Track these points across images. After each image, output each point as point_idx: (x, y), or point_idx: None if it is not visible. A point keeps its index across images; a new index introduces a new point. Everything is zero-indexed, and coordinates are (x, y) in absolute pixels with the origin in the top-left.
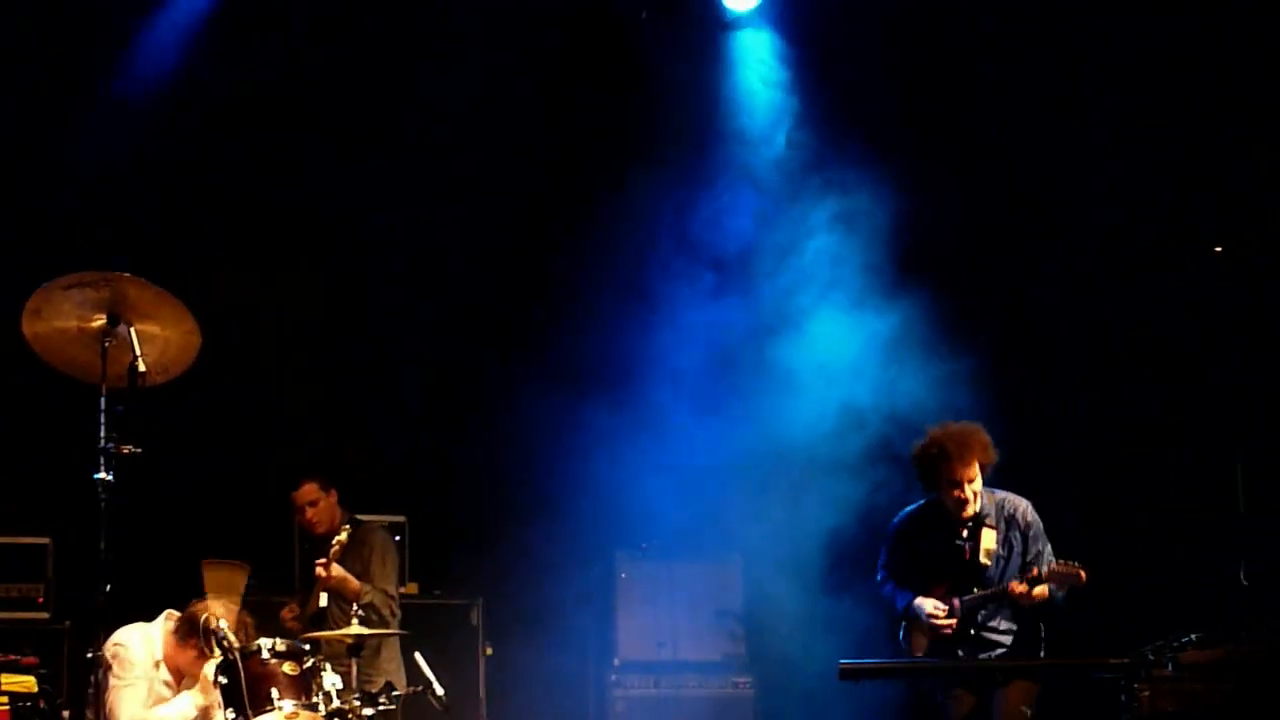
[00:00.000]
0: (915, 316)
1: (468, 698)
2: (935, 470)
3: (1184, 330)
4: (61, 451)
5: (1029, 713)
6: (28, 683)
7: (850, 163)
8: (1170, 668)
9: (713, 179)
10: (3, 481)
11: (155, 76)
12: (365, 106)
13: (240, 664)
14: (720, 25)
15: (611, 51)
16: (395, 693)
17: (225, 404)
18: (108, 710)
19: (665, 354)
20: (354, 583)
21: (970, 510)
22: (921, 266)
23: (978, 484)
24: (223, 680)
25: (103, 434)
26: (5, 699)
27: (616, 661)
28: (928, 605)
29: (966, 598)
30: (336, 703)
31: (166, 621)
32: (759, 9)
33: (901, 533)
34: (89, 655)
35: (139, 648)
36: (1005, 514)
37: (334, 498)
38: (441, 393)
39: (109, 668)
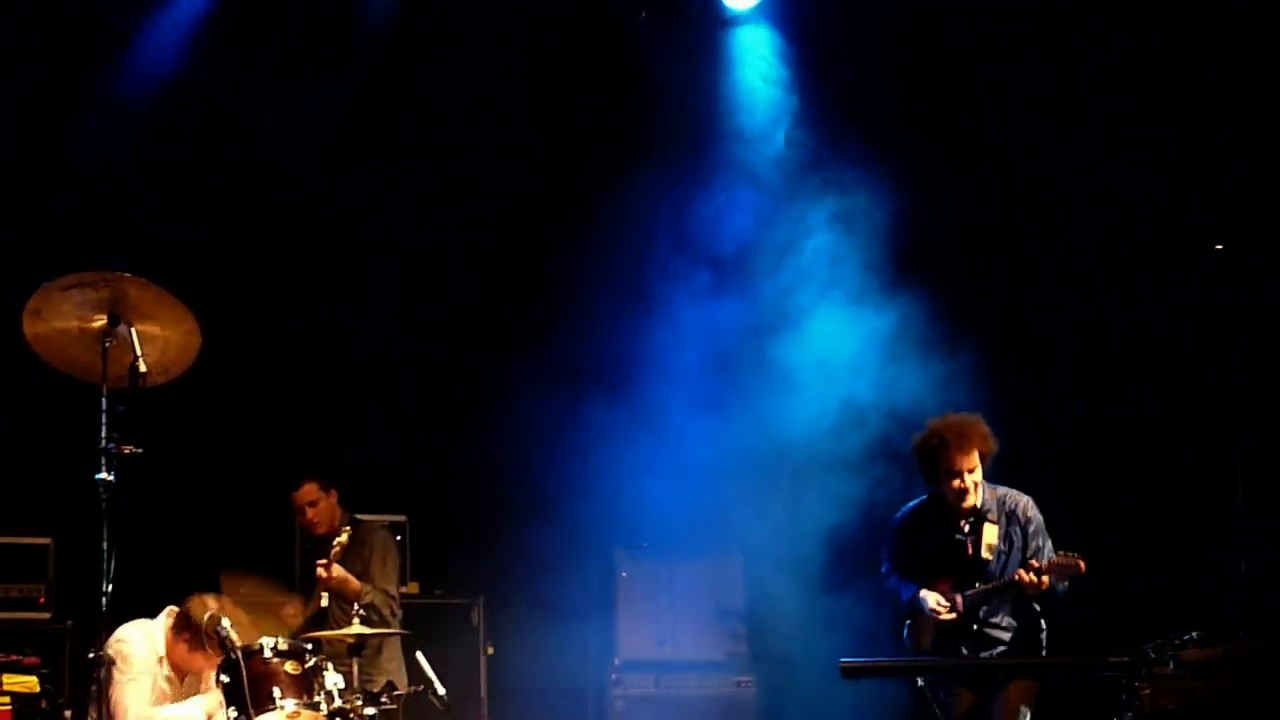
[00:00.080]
0: (914, 314)
1: (469, 697)
2: (935, 460)
3: (1182, 330)
4: (62, 452)
5: (1027, 713)
6: (30, 683)
7: (849, 161)
8: (1171, 665)
9: (711, 178)
10: (4, 482)
11: (154, 77)
12: (364, 106)
13: (242, 663)
14: (719, 23)
15: (609, 51)
16: (396, 692)
17: (226, 404)
18: (112, 706)
19: (665, 353)
20: (355, 583)
21: (970, 501)
22: (920, 265)
23: (978, 475)
24: (225, 679)
25: (103, 434)
26: (7, 699)
27: (617, 661)
28: (931, 599)
29: (969, 593)
30: (338, 702)
31: (167, 619)
32: (758, 7)
33: (903, 528)
34: (90, 655)
35: (141, 644)
36: (1006, 509)
37: (334, 498)
38: (441, 392)
39: (112, 664)
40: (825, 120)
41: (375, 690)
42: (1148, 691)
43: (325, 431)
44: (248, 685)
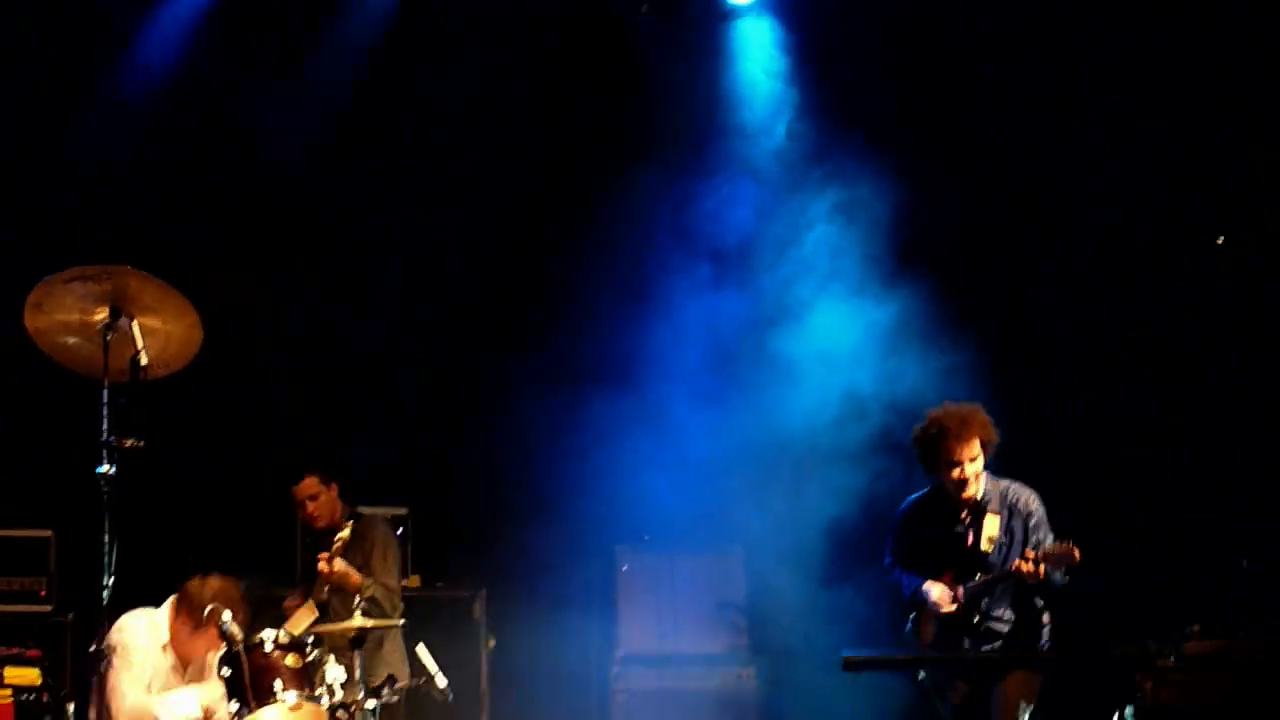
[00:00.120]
0: (915, 306)
1: (470, 690)
2: (935, 450)
3: (1182, 329)
4: (63, 445)
5: (1028, 708)
6: (31, 675)
7: (850, 153)
8: (1173, 659)
9: (711, 172)
10: (5, 475)
11: (155, 76)
12: (364, 106)
13: (243, 656)
14: (720, 16)
15: (610, 47)
16: (398, 685)
17: (227, 398)
18: (108, 693)
19: (666, 347)
20: (356, 577)
21: (971, 491)
22: (921, 258)
23: (978, 464)
24: (226, 672)
25: (105, 427)
26: (9, 692)
27: (619, 654)
28: (935, 592)
29: (970, 584)
30: (339, 695)
31: (170, 608)
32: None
33: (906, 520)
34: (92, 648)
35: (143, 633)
36: (1008, 502)
37: (335, 491)
38: (443, 387)
39: (113, 651)
40: (826, 112)
41: (377, 683)
42: (1150, 684)
43: (327, 425)
44: (249, 678)
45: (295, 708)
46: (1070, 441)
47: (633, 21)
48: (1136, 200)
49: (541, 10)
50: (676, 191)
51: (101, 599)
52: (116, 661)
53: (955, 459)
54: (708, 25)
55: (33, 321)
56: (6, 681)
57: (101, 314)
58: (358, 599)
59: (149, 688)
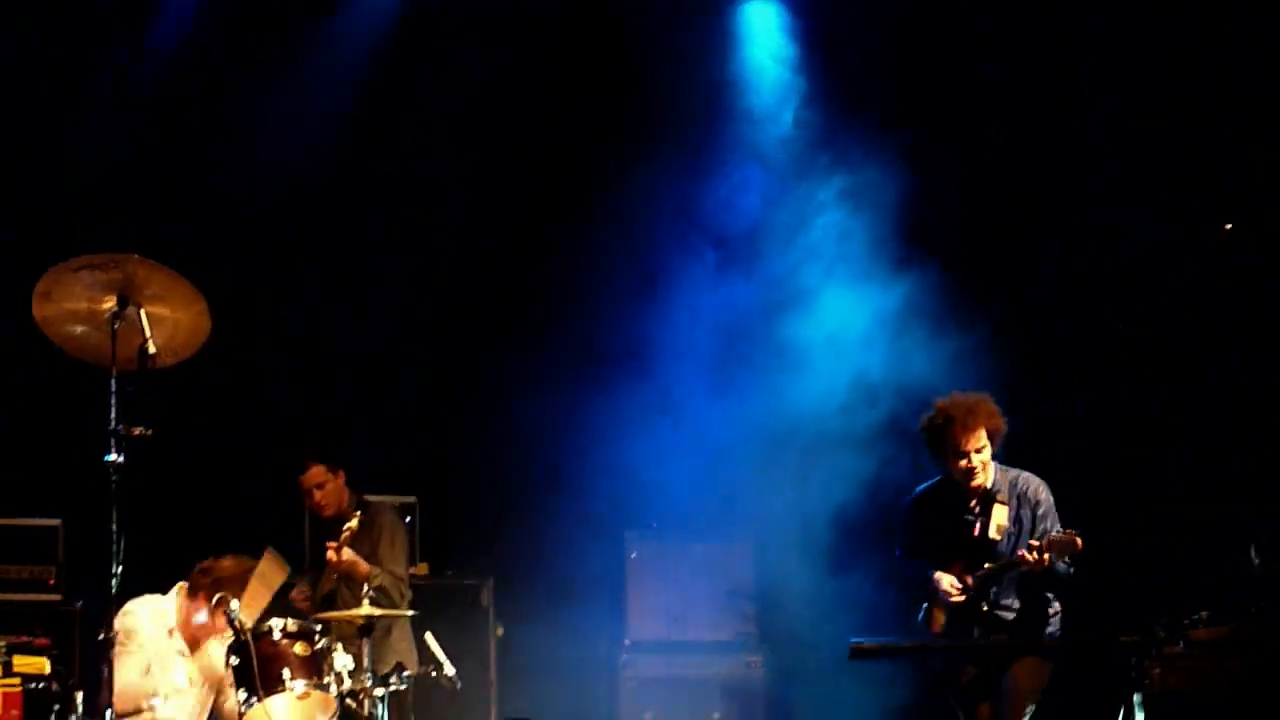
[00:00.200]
0: (924, 291)
1: (478, 678)
2: (942, 440)
3: (1182, 329)
4: (72, 434)
5: (1033, 706)
6: (40, 664)
7: (857, 139)
8: (1181, 645)
9: (720, 158)
10: (13, 464)
11: (155, 75)
12: (368, 99)
13: (252, 645)
14: (728, 1)
15: (616, 35)
16: (406, 673)
17: (235, 386)
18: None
19: (675, 333)
20: (364, 566)
21: (979, 481)
22: (929, 243)
23: (986, 454)
24: (234, 660)
25: (113, 416)
26: (17, 680)
27: (627, 641)
28: (945, 581)
29: (978, 573)
30: (348, 683)
31: (178, 594)
32: None
33: (915, 510)
34: (100, 637)
35: (149, 619)
36: (1017, 491)
37: (341, 479)
38: (451, 375)
39: (118, 636)
40: (834, 98)
41: (385, 671)
42: (1157, 670)
43: (336, 413)
44: (257, 667)
45: (303, 696)
46: (1077, 428)
47: (639, 8)
48: (1137, 200)
49: None
50: (684, 178)
51: (110, 588)
52: (119, 647)
53: (962, 449)
54: (715, 10)
55: (41, 310)
56: (15, 670)
57: (109, 302)
58: (366, 587)
59: (148, 670)
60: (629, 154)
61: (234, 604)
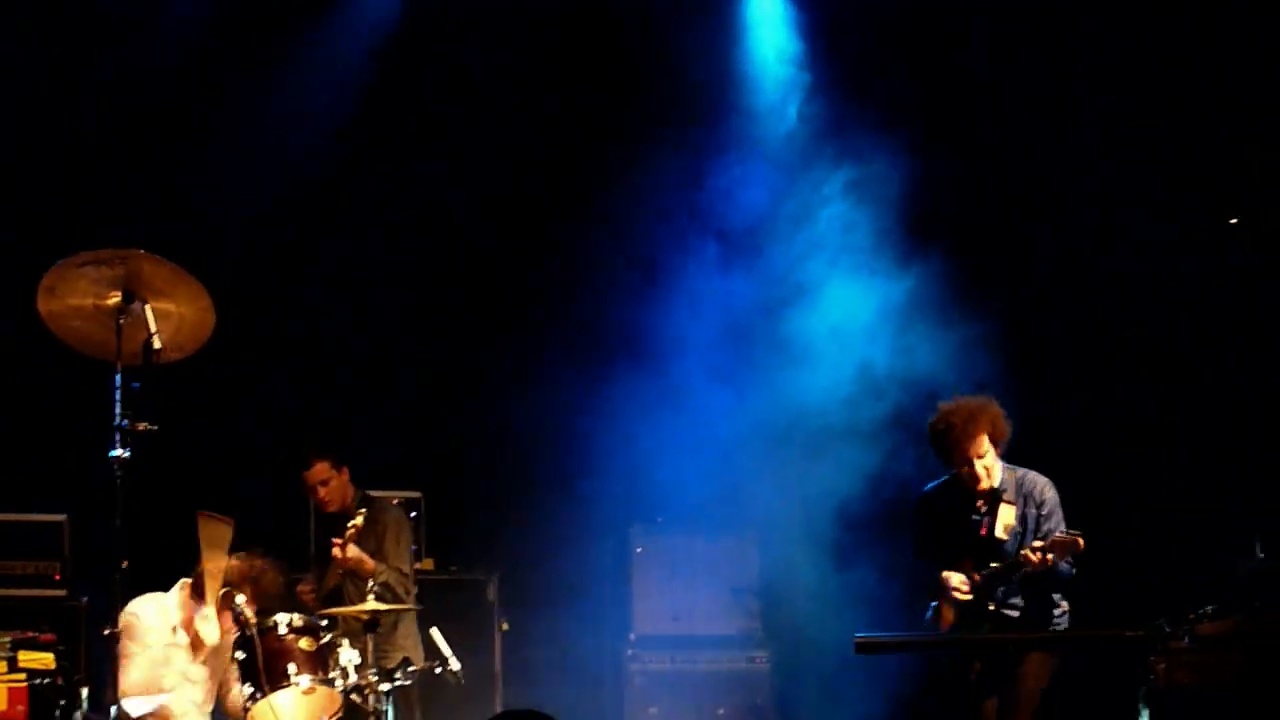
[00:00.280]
0: (928, 283)
1: (484, 673)
2: (944, 445)
3: (1180, 330)
4: (77, 429)
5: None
6: (45, 659)
7: (862, 131)
8: (1186, 640)
9: (724, 152)
10: (19, 459)
11: (157, 73)
12: (374, 90)
13: (257, 640)
14: None
15: (621, 29)
16: (412, 668)
17: (240, 381)
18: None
19: (680, 327)
20: (369, 563)
21: (984, 485)
22: (934, 234)
23: (989, 459)
24: (240, 655)
25: (118, 411)
26: (23, 676)
27: (632, 636)
28: (953, 580)
29: (985, 572)
30: (353, 678)
31: (181, 590)
32: None
33: (923, 509)
34: (106, 632)
35: (153, 617)
36: (1024, 490)
37: (345, 475)
38: (455, 370)
39: (121, 636)
40: (838, 89)
41: (391, 666)
42: (1163, 665)
43: (340, 409)
44: (262, 661)
45: (309, 691)
46: (1081, 422)
47: (643, 4)
48: (1135, 200)
49: None
50: (688, 173)
51: (115, 583)
52: (124, 646)
53: (964, 456)
54: (719, 5)
55: (46, 305)
56: (21, 665)
57: (114, 298)
58: (371, 583)
59: (155, 670)
60: (632, 150)
61: (239, 599)
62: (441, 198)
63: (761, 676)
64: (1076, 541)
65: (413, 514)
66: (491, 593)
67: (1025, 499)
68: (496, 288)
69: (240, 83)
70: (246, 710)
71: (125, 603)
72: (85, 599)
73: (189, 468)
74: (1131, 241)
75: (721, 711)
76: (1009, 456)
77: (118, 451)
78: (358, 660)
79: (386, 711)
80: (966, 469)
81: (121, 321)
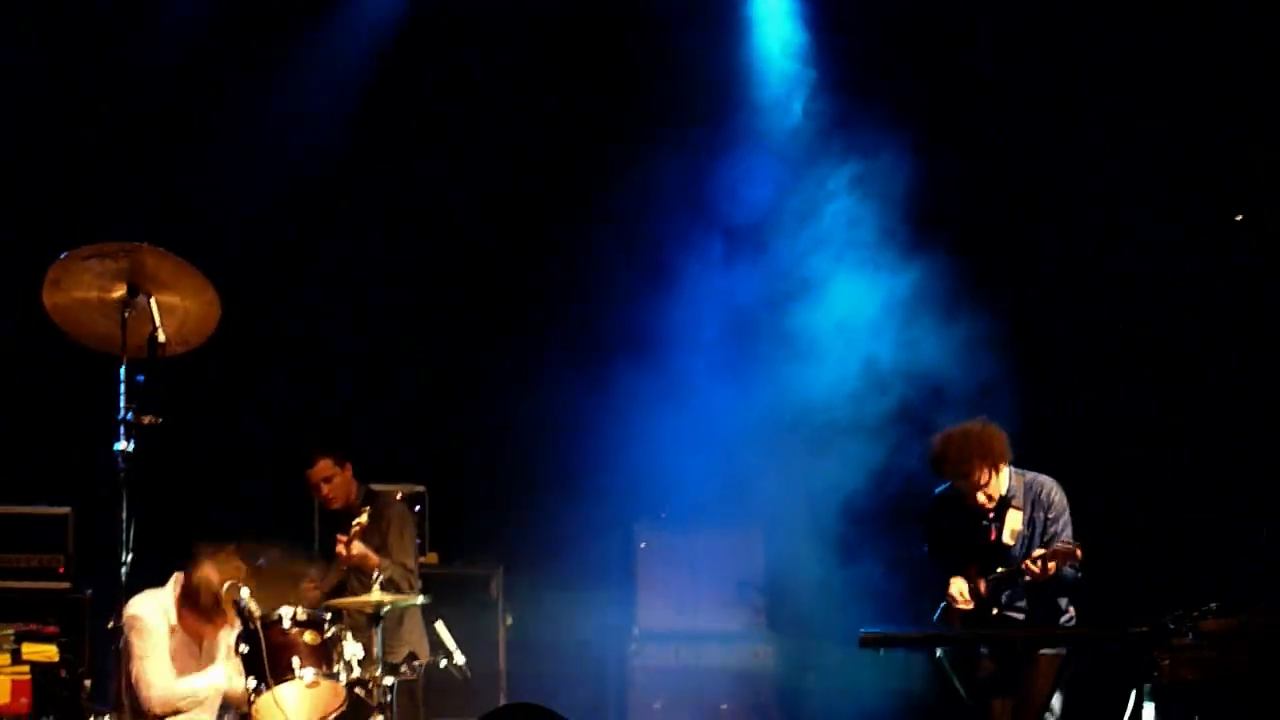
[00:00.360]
0: (933, 278)
1: (488, 667)
2: (942, 478)
3: (1182, 329)
4: (81, 422)
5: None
6: (49, 652)
7: (867, 126)
8: (1190, 636)
9: (729, 147)
10: (23, 452)
11: (159, 72)
12: (379, 81)
13: (261, 633)
14: None
15: (626, 24)
16: (417, 662)
17: (244, 374)
18: (134, 680)
19: (685, 322)
20: (373, 558)
21: (989, 505)
22: (939, 229)
23: (992, 485)
24: (244, 649)
25: (122, 404)
26: (27, 668)
27: (636, 631)
28: (954, 587)
29: (990, 577)
30: (358, 672)
31: (175, 586)
32: None
33: (932, 514)
34: (110, 625)
35: (155, 615)
36: (1032, 494)
37: (349, 472)
38: (460, 364)
39: (129, 637)
40: (843, 85)
41: (396, 661)
42: (1167, 662)
43: (344, 404)
44: (267, 655)
45: (313, 685)
46: (1084, 420)
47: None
48: (1137, 200)
49: None
50: (692, 169)
51: (120, 576)
52: (137, 649)
53: (962, 488)
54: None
55: (51, 298)
56: (25, 658)
57: (119, 291)
58: (376, 574)
59: (173, 665)
60: (637, 145)
61: (243, 592)
62: (442, 198)
63: (766, 671)
64: (1074, 552)
65: (417, 508)
66: (495, 587)
67: (1034, 503)
68: (499, 284)
69: (240, 83)
70: (251, 703)
71: (129, 596)
72: (89, 592)
73: (194, 461)
74: (1136, 241)
75: (725, 706)
76: (1017, 447)
77: (123, 444)
78: (362, 654)
79: (391, 705)
80: (967, 499)
81: (126, 315)
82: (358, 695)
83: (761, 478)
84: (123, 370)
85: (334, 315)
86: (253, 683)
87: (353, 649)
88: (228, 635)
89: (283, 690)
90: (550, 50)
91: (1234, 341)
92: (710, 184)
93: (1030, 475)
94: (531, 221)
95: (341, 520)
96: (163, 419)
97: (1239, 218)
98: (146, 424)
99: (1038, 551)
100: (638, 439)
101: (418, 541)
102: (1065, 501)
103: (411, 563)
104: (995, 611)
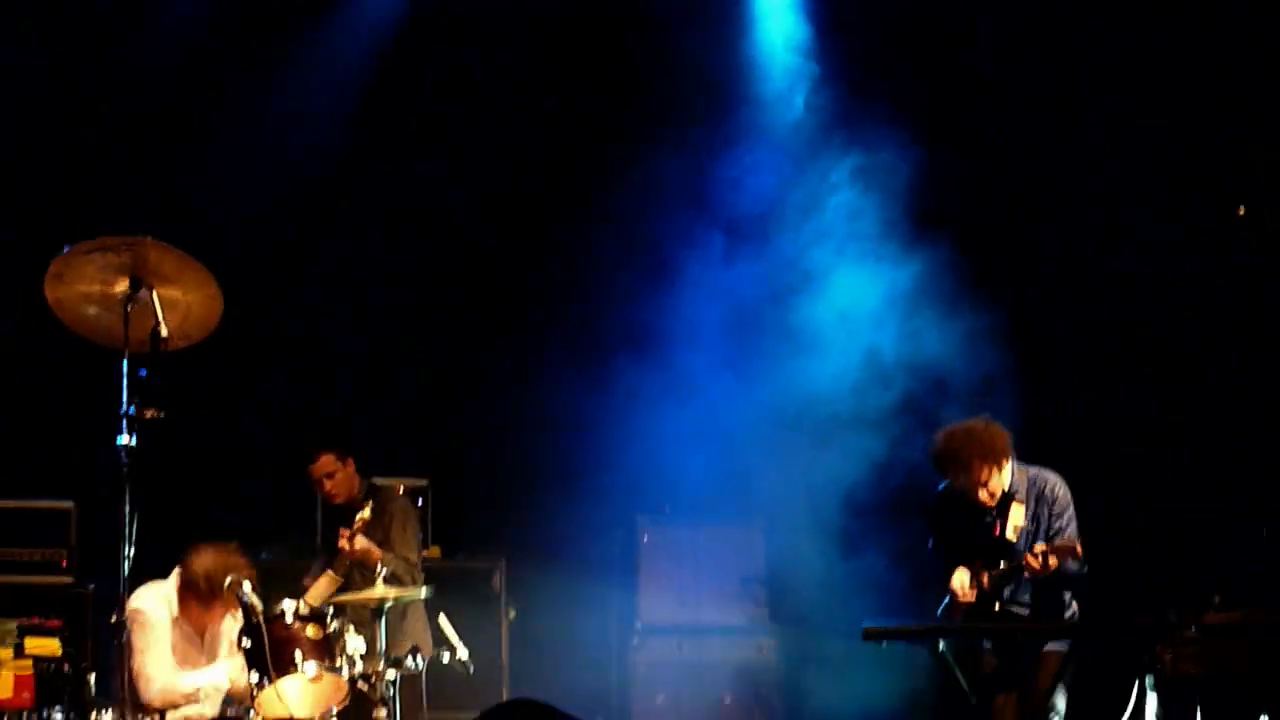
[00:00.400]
0: (935, 271)
1: (490, 661)
2: (943, 476)
3: (1182, 329)
4: (84, 416)
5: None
6: (52, 646)
7: (870, 119)
8: (1193, 630)
9: (731, 142)
10: (26, 446)
11: (160, 71)
12: (383, 76)
13: (264, 627)
14: None
15: (628, 19)
16: (420, 656)
17: (247, 368)
18: (135, 674)
19: (687, 317)
20: (376, 553)
21: (990, 503)
22: (941, 221)
23: (993, 482)
24: (246, 643)
25: (125, 399)
26: (29, 662)
27: (639, 625)
28: (955, 579)
29: (993, 572)
30: (360, 666)
31: (177, 579)
32: None
33: (936, 509)
34: (113, 619)
35: (157, 608)
36: (1036, 490)
37: (351, 467)
38: (463, 358)
39: (132, 631)
40: (846, 77)
41: (399, 655)
42: (1170, 655)
43: (347, 398)
44: (269, 649)
45: (315, 679)
46: (1088, 412)
47: None
48: (1137, 200)
49: None
50: (694, 163)
51: (122, 570)
52: (139, 642)
53: (963, 485)
54: None
55: (53, 292)
56: (27, 652)
57: (122, 285)
58: (380, 568)
59: (175, 658)
60: (638, 144)
61: (245, 586)
62: (442, 198)
63: (768, 665)
64: (1074, 547)
65: (419, 502)
66: (498, 581)
67: (1037, 499)
68: (500, 281)
69: (240, 83)
70: (253, 697)
71: (132, 590)
72: (92, 586)
73: (196, 455)
74: (1136, 241)
75: (728, 700)
76: (1020, 438)
77: (125, 439)
78: (364, 648)
79: (393, 699)
80: (970, 497)
81: (129, 309)
82: (360, 689)
83: (763, 472)
84: (125, 365)
85: (334, 315)
86: (255, 676)
87: (355, 643)
88: (231, 629)
89: (285, 684)
90: (550, 49)
91: (1235, 332)
92: (712, 180)
93: (1034, 470)
94: (531, 220)
95: (344, 515)
96: (165, 414)
97: (1241, 210)
98: (149, 418)
99: (1039, 546)
100: (640, 434)
101: (420, 535)
102: (1069, 497)
103: (414, 557)
104: (998, 607)
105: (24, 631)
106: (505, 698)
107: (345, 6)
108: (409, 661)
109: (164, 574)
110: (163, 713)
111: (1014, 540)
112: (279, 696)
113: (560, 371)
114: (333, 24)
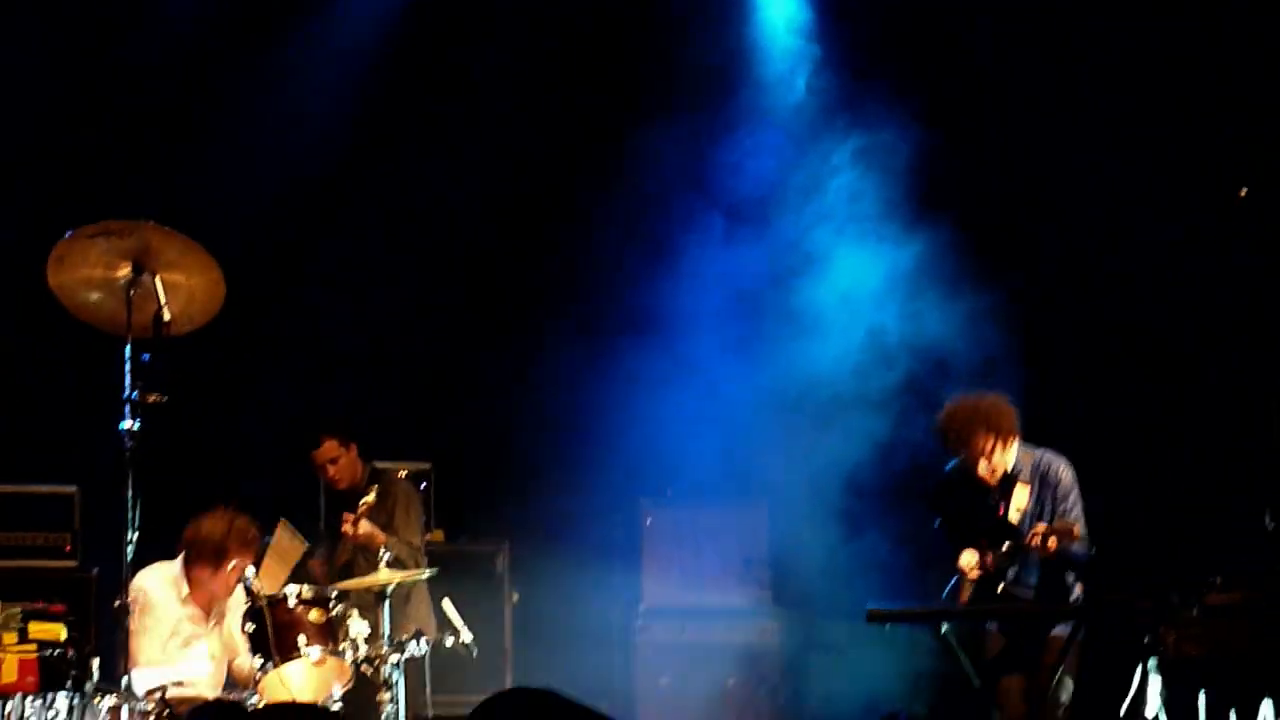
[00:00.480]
0: (937, 251)
1: (494, 644)
2: (948, 448)
3: (1182, 329)
4: (87, 401)
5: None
6: (56, 631)
7: (869, 103)
8: (1195, 611)
9: (732, 126)
10: (29, 431)
11: (162, 67)
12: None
13: (267, 611)
14: None
15: (630, 3)
16: (424, 639)
17: (250, 353)
18: (129, 653)
19: (689, 299)
20: (380, 537)
21: (994, 479)
22: (943, 202)
23: (997, 456)
24: (250, 627)
25: (128, 383)
26: (33, 647)
27: (642, 607)
28: (962, 558)
29: (998, 553)
30: (363, 650)
31: (183, 556)
32: None
33: (940, 490)
34: (116, 604)
35: (161, 589)
36: (1040, 471)
37: (354, 452)
38: (466, 341)
39: (130, 610)
40: (848, 59)
41: (403, 638)
42: (1172, 636)
43: (351, 378)
44: (273, 633)
45: (319, 662)
46: (1089, 394)
47: None
48: (1137, 200)
49: None
50: (696, 145)
51: (126, 554)
52: (134, 622)
53: (967, 457)
54: None
55: (56, 277)
56: (31, 637)
57: (124, 270)
58: (384, 553)
59: (167, 642)
60: (641, 124)
61: (249, 571)
62: (451, 172)
63: (772, 647)
64: (1072, 530)
65: (422, 485)
66: (501, 564)
67: (1041, 481)
68: (504, 265)
69: (240, 83)
70: (256, 681)
71: (135, 574)
72: (95, 570)
73: (199, 440)
74: (1136, 241)
75: (732, 682)
76: (1025, 433)
77: (128, 423)
78: (367, 632)
79: (397, 683)
80: (973, 471)
81: (132, 293)
82: (364, 673)
83: (766, 453)
84: (128, 349)
85: (337, 304)
86: (259, 660)
87: (358, 627)
88: (235, 614)
89: (288, 668)
90: (551, 31)
91: (1234, 341)
92: (713, 163)
93: (1039, 452)
94: (533, 205)
95: (348, 500)
96: (168, 398)
97: (1243, 191)
98: (152, 403)
99: (1039, 526)
100: (643, 416)
101: (423, 519)
102: (1074, 479)
103: (418, 540)
104: (1001, 588)
105: (28, 616)
106: (509, 681)
107: (345, 6)
108: (413, 645)
109: (167, 558)
110: (164, 691)
111: (1017, 522)
112: (282, 681)
113: (563, 355)
114: (333, 24)
